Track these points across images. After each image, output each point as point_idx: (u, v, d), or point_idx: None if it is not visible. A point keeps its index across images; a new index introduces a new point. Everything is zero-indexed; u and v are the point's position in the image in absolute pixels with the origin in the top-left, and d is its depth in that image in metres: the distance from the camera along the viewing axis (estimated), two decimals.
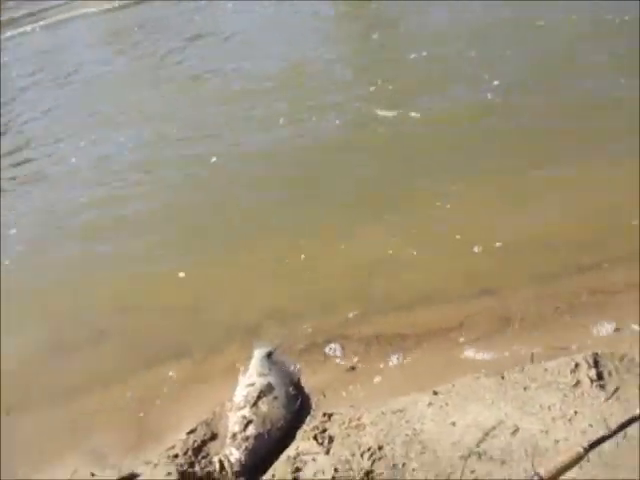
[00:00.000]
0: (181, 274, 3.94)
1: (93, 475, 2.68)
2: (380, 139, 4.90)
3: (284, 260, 3.86)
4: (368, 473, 2.28)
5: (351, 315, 3.26)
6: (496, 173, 4.08)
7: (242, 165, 5.06)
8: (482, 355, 2.81)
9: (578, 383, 2.47)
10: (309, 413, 2.79)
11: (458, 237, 3.64)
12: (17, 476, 2.84)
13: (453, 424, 2.41)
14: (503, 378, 2.58)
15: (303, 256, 3.80)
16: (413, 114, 5.02)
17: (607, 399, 2.37)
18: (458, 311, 3.16)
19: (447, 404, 2.52)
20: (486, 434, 2.32)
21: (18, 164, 6.23)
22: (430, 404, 2.54)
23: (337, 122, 5.22)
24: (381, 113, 5.19)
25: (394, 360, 2.95)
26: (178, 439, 2.76)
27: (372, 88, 5.65)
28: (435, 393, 2.59)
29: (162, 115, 6.31)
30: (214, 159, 5.16)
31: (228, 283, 3.85)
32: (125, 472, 2.61)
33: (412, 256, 3.62)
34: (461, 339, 2.97)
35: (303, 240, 3.94)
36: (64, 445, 2.98)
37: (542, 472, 1.91)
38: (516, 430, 2.31)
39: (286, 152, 5.07)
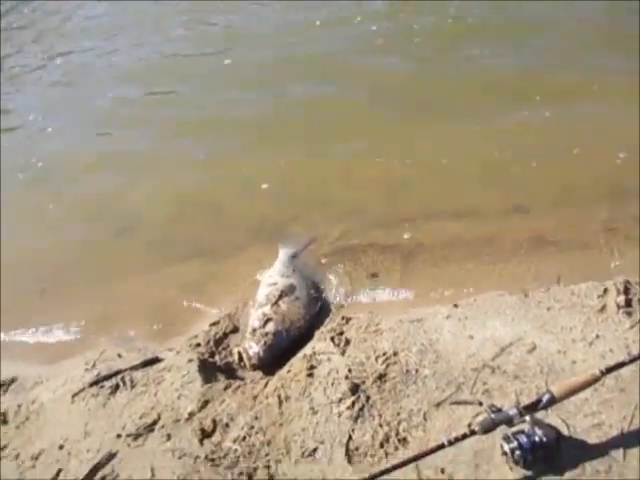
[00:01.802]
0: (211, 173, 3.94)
1: (120, 356, 2.81)
2: None
3: (317, 165, 3.79)
4: (381, 376, 2.32)
5: (380, 223, 3.21)
6: None
7: None
8: (508, 272, 2.76)
9: (604, 308, 2.41)
10: (328, 316, 2.84)
11: (496, 155, 3.50)
12: None
13: (470, 337, 2.41)
14: (526, 296, 2.55)
15: (338, 163, 3.72)
16: None
17: (632, 327, 2.31)
18: (489, 226, 3.09)
19: (466, 317, 2.51)
20: (502, 349, 2.32)
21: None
22: (449, 316, 2.53)
23: None
24: None
25: (418, 270, 2.93)
26: (201, 330, 2.87)
27: None
28: (455, 306, 2.58)
29: None
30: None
31: (256, 182, 3.80)
32: (149, 356, 2.73)
33: (446, 169, 3.50)
34: (488, 255, 2.91)
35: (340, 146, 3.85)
36: (94, 327, 3.12)
37: (554, 390, 1.92)
38: (533, 348, 2.29)
39: None
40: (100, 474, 2.20)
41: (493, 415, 1.88)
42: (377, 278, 2.98)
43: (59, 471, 2.26)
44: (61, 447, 2.35)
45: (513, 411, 1.88)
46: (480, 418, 1.94)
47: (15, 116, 5.42)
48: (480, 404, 2.14)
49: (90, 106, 5.26)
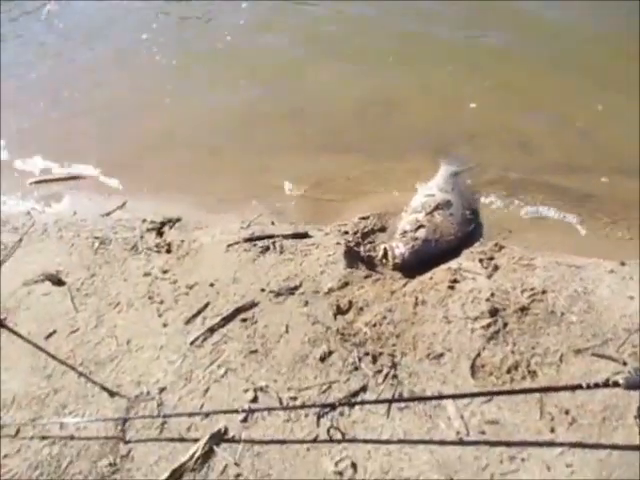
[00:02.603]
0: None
1: (273, 223, 3.00)
2: None
3: (501, 89, 3.59)
4: (523, 309, 2.28)
5: (556, 164, 3.02)
6: None
7: None
8: None
9: None
10: (479, 241, 2.79)
11: None
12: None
13: (631, 298, 2.27)
14: None
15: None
16: None
17: None
18: None
19: (632, 278, 2.35)
20: None
21: None
22: (612, 271, 2.39)
23: None
24: None
25: (587, 220, 2.76)
26: (351, 220, 2.96)
27: None
28: (623, 264, 2.42)
29: None
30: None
31: (428, 102, 3.69)
32: (300, 230, 2.88)
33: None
34: None
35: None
36: (254, 192, 3.32)
37: None
38: None
39: None
40: (242, 315, 2.43)
41: None
42: (541, 220, 2.85)
43: (207, 304, 2.52)
44: (212, 285, 2.61)
45: None
46: (624, 375, 1.86)
47: None
48: (624, 364, 2.04)
49: None
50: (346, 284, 2.52)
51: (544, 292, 2.33)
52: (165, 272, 2.74)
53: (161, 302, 2.57)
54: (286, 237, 2.82)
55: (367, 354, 2.20)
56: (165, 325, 2.46)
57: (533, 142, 3.27)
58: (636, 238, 2.61)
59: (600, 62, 3.68)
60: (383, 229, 2.91)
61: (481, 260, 2.53)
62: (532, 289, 2.35)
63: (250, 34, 4.64)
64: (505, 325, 2.23)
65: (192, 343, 2.36)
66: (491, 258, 2.56)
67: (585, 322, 2.20)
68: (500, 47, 3.98)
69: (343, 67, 4.10)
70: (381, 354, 2.20)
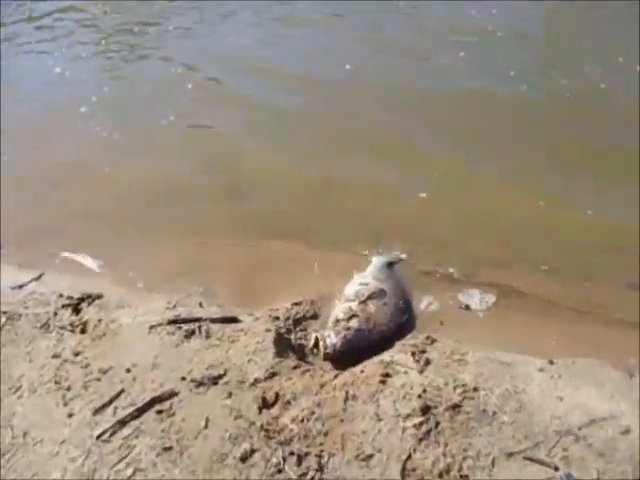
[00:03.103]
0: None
1: (201, 305, 2.86)
2: None
3: (435, 181, 3.69)
4: (455, 406, 2.21)
5: (490, 258, 3.09)
6: None
7: None
8: (617, 345, 2.55)
9: None
10: (411, 332, 2.75)
11: None
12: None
13: (560, 398, 2.25)
14: (632, 377, 2.35)
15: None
16: None
17: None
18: (596, 295, 2.88)
19: (560, 377, 2.35)
20: (592, 421, 2.15)
21: None
22: (542, 370, 2.38)
23: None
24: None
25: (513, 314, 2.79)
26: (283, 305, 2.86)
27: None
28: (551, 362, 2.42)
29: None
30: None
31: (370, 189, 3.75)
32: (229, 314, 2.75)
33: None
34: (592, 321, 2.72)
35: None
36: (182, 272, 3.18)
37: None
38: (628, 431, 2.11)
39: None
40: (158, 406, 2.22)
41: None
42: (469, 311, 2.86)
43: (121, 392, 2.31)
44: (128, 370, 2.40)
45: None
46: None
47: None
48: (556, 469, 1.99)
49: None
50: (274, 375, 2.38)
51: (476, 389, 2.28)
52: (77, 354, 2.51)
53: (68, 388, 2.33)
54: (214, 321, 2.68)
55: (292, 454, 2.05)
56: (70, 415, 2.22)
57: (468, 235, 3.33)
58: (562, 335, 2.64)
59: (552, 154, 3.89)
60: (315, 316, 2.82)
61: (413, 353, 2.48)
62: (464, 385, 2.30)
63: (194, 113, 4.65)
64: (437, 424, 2.14)
65: (99, 437, 2.12)
66: (423, 351, 2.51)
67: (517, 422, 2.15)
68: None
69: (284, 150, 4.14)
70: (307, 454, 2.05)
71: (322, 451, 2.07)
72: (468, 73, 4.82)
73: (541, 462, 2.01)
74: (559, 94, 4.44)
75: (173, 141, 4.33)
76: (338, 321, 2.64)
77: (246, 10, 6.24)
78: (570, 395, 2.27)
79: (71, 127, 4.59)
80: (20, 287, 3.03)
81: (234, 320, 2.71)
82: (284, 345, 2.60)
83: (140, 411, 2.21)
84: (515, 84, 4.59)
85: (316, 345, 2.59)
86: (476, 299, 2.90)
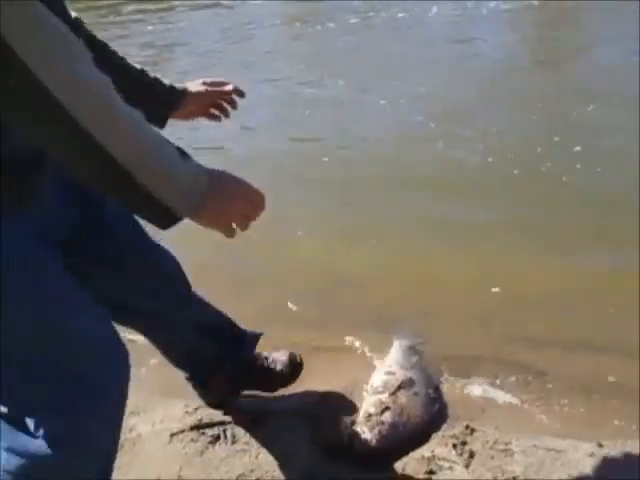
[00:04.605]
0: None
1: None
2: None
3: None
4: None
5: (524, 343, 3.02)
6: None
7: None
8: None
9: None
10: (445, 422, 2.62)
11: None
12: None
13: None
14: None
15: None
16: None
17: None
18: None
19: (612, 460, 2.23)
20: None
21: None
22: (592, 454, 2.26)
23: None
24: None
25: (550, 396, 2.69)
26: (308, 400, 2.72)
27: None
28: (600, 445, 2.31)
29: None
30: None
31: (383, 275, 3.75)
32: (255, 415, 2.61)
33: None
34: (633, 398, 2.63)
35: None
36: None
37: None
38: None
39: None
40: None
41: None
42: (502, 394, 2.75)
43: None
44: None
45: None
46: None
47: None
48: None
49: None
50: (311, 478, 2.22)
51: None
52: None
53: None
54: (239, 423, 2.53)
55: None
56: None
57: (493, 317, 3.29)
58: (604, 416, 2.54)
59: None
60: (345, 411, 2.69)
61: (455, 445, 2.35)
62: (514, 478, 2.17)
63: None
64: None
65: None
66: (464, 442, 2.38)
67: None
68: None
69: (295, 239, 4.15)
70: None
71: None
72: None
73: None
74: None
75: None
76: (370, 415, 2.51)
77: None
78: (622, 476, 2.14)
79: None
80: None
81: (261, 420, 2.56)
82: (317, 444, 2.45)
83: None
84: None
85: (350, 443, 2.45)
86: (505, 386, 2.81)
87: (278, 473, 2.26)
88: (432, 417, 2.60)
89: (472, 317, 3.27)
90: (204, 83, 2.04)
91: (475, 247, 3.88)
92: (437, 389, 2.79)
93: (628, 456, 2.26)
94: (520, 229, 4.02)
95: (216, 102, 2.11)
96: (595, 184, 4.45)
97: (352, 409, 2.69)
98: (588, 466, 2.22)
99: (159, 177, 1.10)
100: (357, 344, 3.21)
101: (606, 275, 3.49)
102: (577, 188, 4.43)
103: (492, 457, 2.29)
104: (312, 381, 2.92)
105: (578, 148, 4.91)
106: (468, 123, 5.58)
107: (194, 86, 2.02)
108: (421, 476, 2.20)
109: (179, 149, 1.18)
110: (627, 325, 2.98)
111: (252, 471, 2.27)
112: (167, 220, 1.18)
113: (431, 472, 2.22)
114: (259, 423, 2.54)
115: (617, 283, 3.39)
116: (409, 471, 2.25)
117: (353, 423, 2.57)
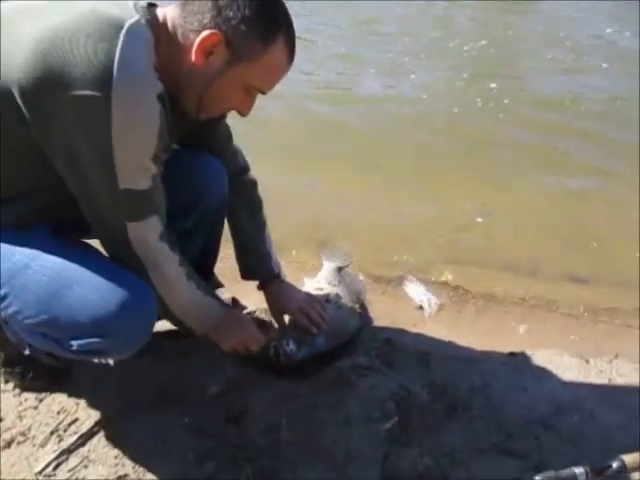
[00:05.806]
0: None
1: None
2: None
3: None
4: (425, 406, 2.16)
5: (444, 259, 3.10)
6: None
7: None
8: (569, 334, 2.63)
9: None
10: (371, 335, 2.69)
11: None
12: None
13: (524, 389, 2.27)
14: (587, 363, 2.42)
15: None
16: None
17: None
18: (545, 290, 2.98)
19: (522, 368, 2.37)
20: (558, 409, 2.17)
21: None
22: (504, 363, 2.40)
23: None
24: None
25: (472, 313, 2.81)
26: None
27: None
28: (512, 354, 2.45)
29: None
30: None
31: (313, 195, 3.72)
32: None
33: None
34: (546, 315, 2.80)
35: None
36: None
37: (626, 459, 1.78)
38: (592, 416, 2.16)
39: None
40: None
41: (558, 471, 1.73)
42: (424, 308, 2.85)
43: None
44: None
45: (580, 470, 1.73)
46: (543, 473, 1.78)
47: None
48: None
49: None
50: (236, 387, 2.23)
51: (444, 388, 2.25)
52: None
53: None
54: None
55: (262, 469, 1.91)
56: None
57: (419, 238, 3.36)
58: (516, 329, 2.69)
59: None
60: (271, 325, 2.69)
61: (377, 355, 2.42)
62: (432, 383, 2.27)
63: None
64: (409, 425, 2.08)
65: (40, 472, 1.87)
66: (385, 353, 2.45)
67: (487, 416, 2.14)
68: None
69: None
70: (279, 467, 1.92)
71: (295, 463, 1.94)
72: None
73: (517, 454, 1.99)
74: None
75: None
76: (296, 328, 2.53)
77: None
78: (533, 386, 2.28)
79: None
80: None
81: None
82: (242, 356, 2.45)
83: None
84: None
85: (276, 355, 2.46)
86: (427, 299, 2.90)
87: (203, 381, 2.24)
88: (356, 330, 2.66)
89: (399, 238, 3.33)
90: (300, 310, 2.39)
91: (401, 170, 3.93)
92: (363, 305, 2.84)
93: (537, 365, 2.41)
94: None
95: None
96: None
97: (281, 323, 2.70)
98: (502, 373, 2.35)
99: (192, 322, 1.92)
100: (288, 261, 3.20)
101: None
102: None
103: (411, 367, 2.37)
104: (242, 298, 2.91)
105: None
106: None
107: (291, 304, 2.41)
108: (342, 383, 2.25)
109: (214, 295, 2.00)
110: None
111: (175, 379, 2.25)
112: (189, 334, 1.95)
113: (352, 380, 2.27)
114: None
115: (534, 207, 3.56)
116: (331, 379, 2.30)
117: (279, 335, 2.59)
